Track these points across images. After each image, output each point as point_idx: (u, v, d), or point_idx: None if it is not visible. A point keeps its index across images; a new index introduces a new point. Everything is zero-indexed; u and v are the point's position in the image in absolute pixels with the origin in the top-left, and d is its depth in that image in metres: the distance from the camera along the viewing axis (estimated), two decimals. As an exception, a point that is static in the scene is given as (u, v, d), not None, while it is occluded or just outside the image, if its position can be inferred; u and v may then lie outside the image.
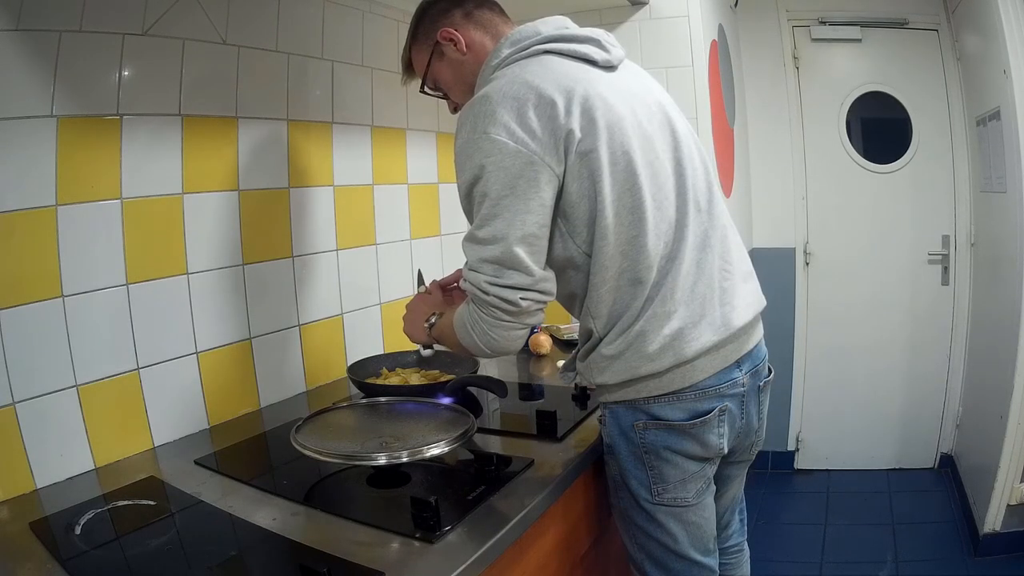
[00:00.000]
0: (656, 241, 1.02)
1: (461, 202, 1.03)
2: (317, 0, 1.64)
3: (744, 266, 1.14)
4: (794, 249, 3.02)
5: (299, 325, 1.62)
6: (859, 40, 2.89)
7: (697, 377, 1.04)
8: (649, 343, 1.02)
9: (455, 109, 1.20)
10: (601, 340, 1.06)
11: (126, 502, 1.06)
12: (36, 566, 0.88)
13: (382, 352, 1.79)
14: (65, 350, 1.15)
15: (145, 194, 1.27)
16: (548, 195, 0.97)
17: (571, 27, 1.10)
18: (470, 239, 1.00)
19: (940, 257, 2.92)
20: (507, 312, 0.98)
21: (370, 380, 1.52)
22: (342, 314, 1.75)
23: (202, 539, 0.96)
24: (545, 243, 1.00)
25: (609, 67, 1.08)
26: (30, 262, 1.10)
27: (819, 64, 2.95)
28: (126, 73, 1.22)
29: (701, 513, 1.11)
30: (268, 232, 1.54)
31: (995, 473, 2.21)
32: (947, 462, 2.96)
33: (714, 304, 1.05)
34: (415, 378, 1.54)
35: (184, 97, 1.33)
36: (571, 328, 2.06)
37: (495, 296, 0.97)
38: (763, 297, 1.17)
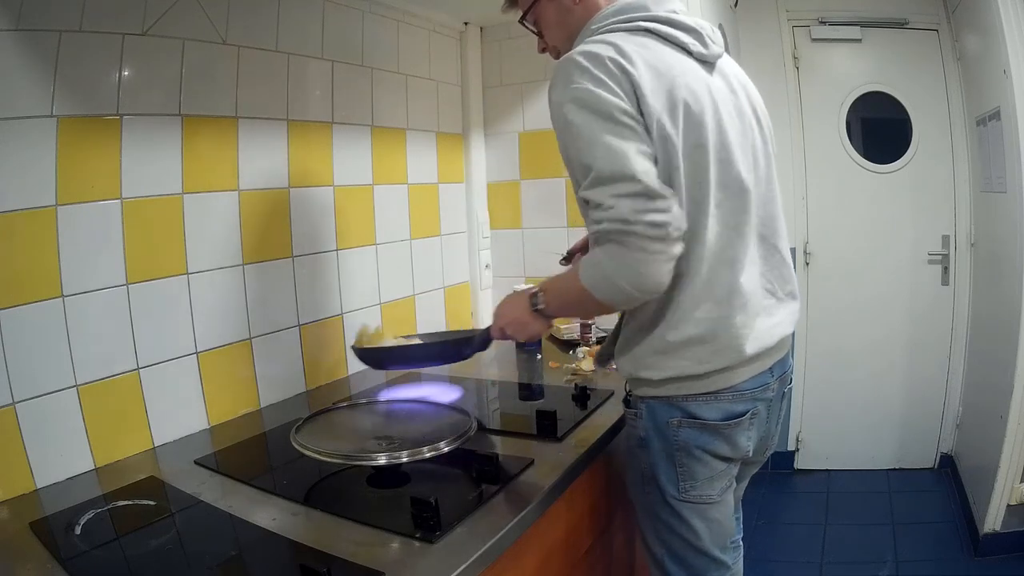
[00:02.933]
0: (713, 240, 1.01)
1: (562, 153, 1.01)
2: (317, 0, 1.64)
3: (790, 286, 1.16)
4: (794, 249, 3.03)
5: (299, 325, 1.62)
6: (859, 40, 2.89)
7: (737, 379, 1.06)
8: (702, 347, 1.02)
9: (544, 50, 1.21)
10: (645, 329, 1.04)
11: (126, 502, 1.06)
12: (36, 566, 0.88)
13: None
14: (65, 350, 1.15)
15: (145, 194, 1.27)
16: (644, 134, 0.95)
17: (679, 13, 1.07)
18: (597, 181, 0.94)
19: (940, 257, 2.91)
20: (657, 239, 0.92)
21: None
22: (342, 314, 1.75)
23: (202, 539, 0.96)
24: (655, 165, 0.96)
25: (703, 61, 1.07)
26: (30, 262, 1.10)
27: (819, 64, 2.95)
28: (126, 73, 1.22)
29: (723, 511, 1.13)
30: (268, 232, 1.54)
31: (995, 473, 2.21)
32: (947, 462, 2.96)
33: (762, 317, 1.07)
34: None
35: (184, 97, 1.33)
36: (571, 328, 2.06)
37: (643, 223, 0.91)
38: (797, 315, 1.19)
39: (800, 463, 3.13)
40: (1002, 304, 2.35)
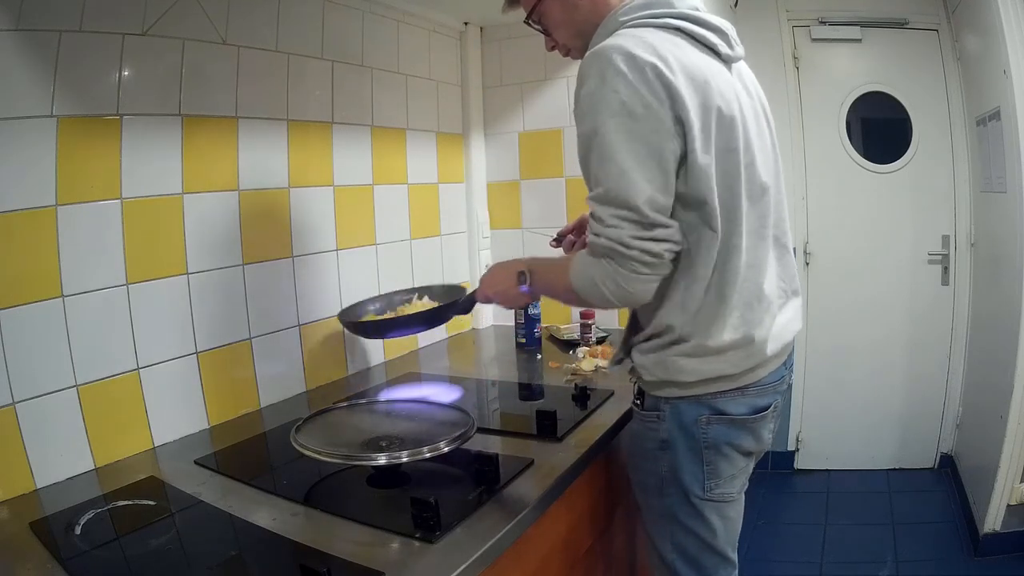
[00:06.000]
0: (746, 249, 1.03)
1: (579, 153, 1.00)
2: (317, 0, 1.64)
3: (795, 283, 1.19)
4: (794, 249, 3.01)
5: (299, 325, 1.62)
6: (859, 40, 2.89)
7: (762, 375, 1.08)
8: (737, 351, 1.05)
9: (553, 47, 1.20)
10: (679, 335, 1.05)
11: (126, 502, 1.06)
12: (36, 566, 0.88)
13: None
14: (65, 350, 1.15)
15: (145, 194, 1.27)
16: (672, 154, 0.95)
17: (702, 10, 1.06)
18: (603, 199, 0.96)
19: (940, 257, 2.92)
20: (648, 265, 0.96)
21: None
22: (342, 314, 1.75)
23: (202, 539, 0.96)
24: (673, 193, 0.97)
25: (729, 62, 1.07)
26: (30, 262, 1.10)
27: (819, 64, 2.95)
28: (126, 73, 1.22)
29: (738, 509, 1.14)
30: (268, 232, 1.54)
31: (995, 473, 2.21)
32: (947, 462, 2.96)
33: (779, 316, 1.11)
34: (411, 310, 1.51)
35: (184, 97, 1.33)
36: (571, 328, 2.06)
37: (639, 250, 0.95)
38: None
39: (800, 463, 3.13)
40: (1002, 304, 2.35)
